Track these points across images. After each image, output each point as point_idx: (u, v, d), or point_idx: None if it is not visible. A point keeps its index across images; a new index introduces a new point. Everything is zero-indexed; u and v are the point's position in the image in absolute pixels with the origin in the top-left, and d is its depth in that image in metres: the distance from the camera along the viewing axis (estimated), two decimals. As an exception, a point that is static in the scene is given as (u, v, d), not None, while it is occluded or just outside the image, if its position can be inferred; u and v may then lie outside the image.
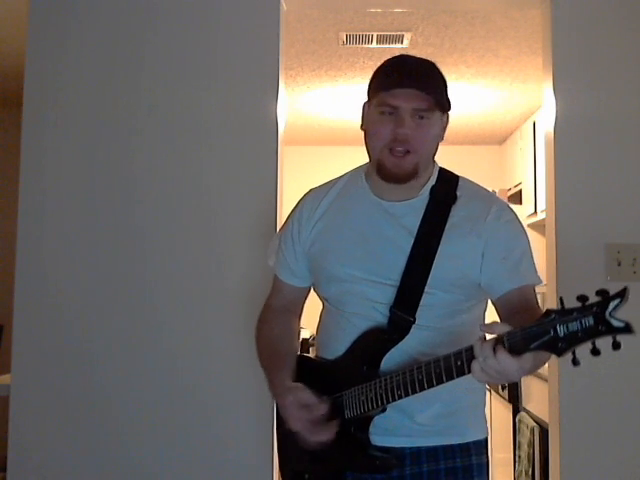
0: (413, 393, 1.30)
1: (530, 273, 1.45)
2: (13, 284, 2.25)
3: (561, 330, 1.09)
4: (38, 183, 2.28)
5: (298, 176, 5.44)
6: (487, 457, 1.50)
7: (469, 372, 1.19)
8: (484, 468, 1.48)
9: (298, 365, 1.51)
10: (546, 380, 2.39)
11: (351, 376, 1.41)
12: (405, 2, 2.73)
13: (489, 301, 1.53)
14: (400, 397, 1.32)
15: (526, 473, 3.11)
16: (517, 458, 3.29)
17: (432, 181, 1.49)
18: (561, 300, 1.11)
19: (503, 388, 3.63)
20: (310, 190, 1.61)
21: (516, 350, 1.13)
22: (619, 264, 2.21)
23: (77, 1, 2.34)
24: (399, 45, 3.39)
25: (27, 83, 2.30)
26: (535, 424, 3.04)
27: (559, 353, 1.11)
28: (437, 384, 1.26)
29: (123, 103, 2.30)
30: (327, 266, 1.51)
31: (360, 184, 1.53)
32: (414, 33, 3.24)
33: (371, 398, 1.36)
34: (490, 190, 1.60)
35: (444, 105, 1.41)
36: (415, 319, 1.41)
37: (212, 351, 2.25)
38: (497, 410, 3.90)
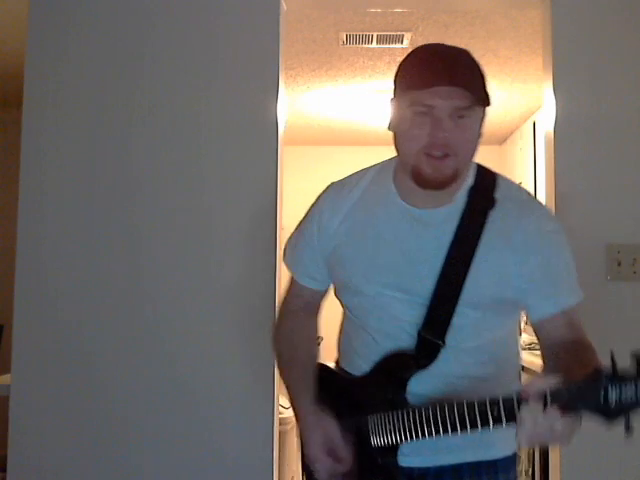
0: (445, 434, 1.16)
1: (574, 292, 1.33)
2: (13, 284, 2.25)
3: (613, 394, 0.99)
4: (38, 183, 2.28)
5: (298, 176, 5.46)
6: (515, 474, 1.40)
7: (507, 422, 1.09)
8: None
9: (321, 376, 1.43)
10: (546, 380, 2.38)
11: (376, 400, 1.31)
12: (405, 2, 2.73)
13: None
14: (430, 435, 1.19)
15: (526, 473, 3.11)
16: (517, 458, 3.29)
17: (469, 183, 1.32)
18: (612, 359, 0.99)
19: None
20: (331, 185, 1.45)
21: (561, 410, 1.02)
22: (619, 264, 2.21)
23: (77, 1, 2.34)
24: (399, 45, 3.39)
25: (27, 83, 2.30)
26: (535, 424, 3.03)
27: (610, 418, 1.01)
28: (471, 430, 1.13)
29: (123, 103, 2.30)
30: (349, 278, 1.38)
31: (387, 187, 1.36)
32: (414, 33, 3.24)
33: (399, 429, 1.24)
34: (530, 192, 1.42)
35: (485, 100, 1.23)
36: (444, 342, 1.29)
37: (212, 351, 2.25)
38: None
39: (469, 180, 1.32)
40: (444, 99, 1.19)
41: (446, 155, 1.22)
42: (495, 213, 1.29)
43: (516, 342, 1.44)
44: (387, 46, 3.42)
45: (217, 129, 2.30)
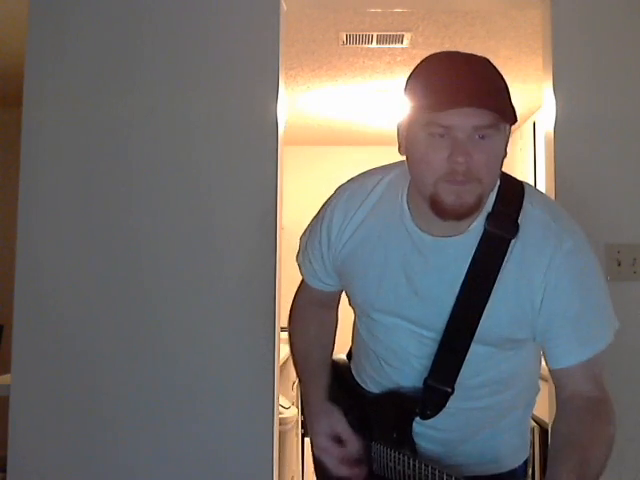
0: None
1: (600, 337, 1.17)
2: (13, 284, 2.25)
3: None
4: (38, 183, 2.28)
5: (298, 176, 5.46)
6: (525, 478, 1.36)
7: None
8: None
9: (338, 373, 1.40)
10: (546, 380, 2.38)
11: (382, 431, 1.26)
12: (405, 2, 2.73)
13: None
14: None
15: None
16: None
17: (487, 208, 1.16)
18: None
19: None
20: (343, 190, 1.32)
21: None
22: (619, 264, 2.21)
23: (76, 1, 2.34)
24: (399, 45, 3.39)
25: (27, 83, 2.30)
26: (535, 424, 3.04)
27: None
28: None
29: (122, 103, 2.30)
30: (355, 299, 1.31)
31: (400, 206, 1.22)
32: (414, 33, 3.24)
33: (399, 472, 1.18)
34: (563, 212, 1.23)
35: (510, 116, 1.08)
36: (453, 390, 1.19)
37: (212, 352, 2.24)
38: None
39: (489, 204, 1.17)
40: (464, 119, 1.04)
41: (468, 181, 1.07)
42: (517, 242, 1.14)
43: (534, 363, 1.34)
44: (387, 46, 3.42)
45: (217, 129, 2.29)
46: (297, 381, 1.47)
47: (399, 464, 1.18)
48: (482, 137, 1.06)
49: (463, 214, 1.10)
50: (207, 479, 2.22)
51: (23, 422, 2.23)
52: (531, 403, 1.40)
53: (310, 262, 1.37)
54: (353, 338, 1.45)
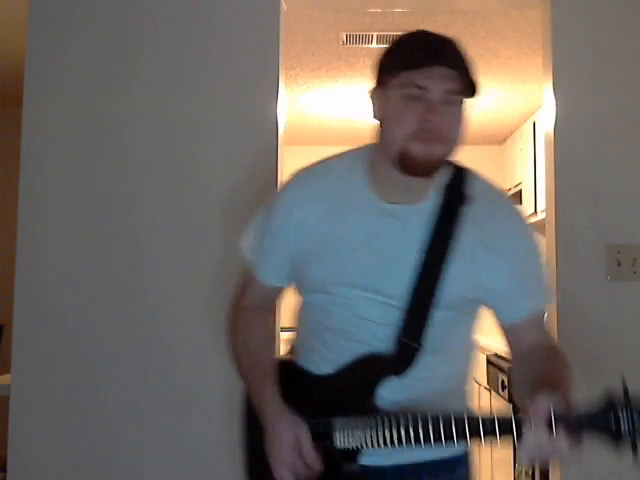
0: (425, 443, 1.12)
1: (545, 295, 1.34)
2: (13, 284, 2.25)
3: (625, 422, 0.99)
4: (38, 183, 2.28)
5: (298, 176, 5.46)
6: (470, 468, 1.39)
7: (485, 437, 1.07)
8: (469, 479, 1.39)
9: (283, 372, 1.34)
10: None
11: (345, 403, 1.24)
12: (405, 2, 2.73)
13: None
14: (401, 445, 1.14)
15: (526, 473, 3.11)
16: (517, 458, 3.29)
17: (443, 180, 1.29)
18: (624, 384, 0.98)
19: (503, 388, 3.63)
20: (296, 175, 1.37)
21: (567, 432, 1.01)
22: (619, 264, 2.21)
23: (77, 1, 2.34)
24: (399, 45, 3.39)
25: (27, 83, 2.30)
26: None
27: (618, 447, 1.04)
28: (458, 440, 1.09)
29: (123, 103, 2.30)
30: (314, 277, 1.31)
31: (360, 180, 1.29)
32: (414, 33, 3.25)
33: (370, 436, 1.17)
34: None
35: (474, 88, 1.20)
36: (421, 345, 1.25)
37: (212, 351, 2.24)
38: (497, 410, 3.90)
39: (444, 177, 1.29)
40: (437, 81, 1.16)
41: (437, 140, 1.18)
42: (468, 210, 1.26)
43: (473, 337, 1.40)
44: (387, 46, 3.42)
45: (217, 129, 2.30)
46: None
47: (370, 428, 1.17)
48: (449, 103, 1.18)
49: (430, 168, 1.20)
50: (207, 479, 2.22)
51: (23, 422, 2.23)
52: (467, 391, 1.42)
53: (265, 255, 1.37)
54: (299, 327, 1.43)
